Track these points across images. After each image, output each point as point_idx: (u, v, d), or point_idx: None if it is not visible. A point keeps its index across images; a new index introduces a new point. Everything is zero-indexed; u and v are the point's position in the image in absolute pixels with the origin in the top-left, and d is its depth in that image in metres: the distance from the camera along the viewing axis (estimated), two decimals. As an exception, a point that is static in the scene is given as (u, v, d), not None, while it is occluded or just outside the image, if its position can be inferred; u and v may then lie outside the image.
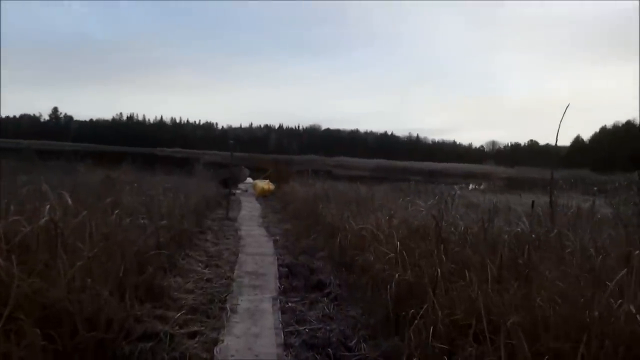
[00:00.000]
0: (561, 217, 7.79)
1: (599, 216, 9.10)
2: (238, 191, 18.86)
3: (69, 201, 6.04)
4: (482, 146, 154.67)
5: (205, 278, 6.00)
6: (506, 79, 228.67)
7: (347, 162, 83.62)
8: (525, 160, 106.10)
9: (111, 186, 9.11)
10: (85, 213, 4.96)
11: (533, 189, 20.69)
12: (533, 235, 5.85)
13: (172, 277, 5.74)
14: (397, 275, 4.46)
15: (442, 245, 5.48)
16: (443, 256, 4.78)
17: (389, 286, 4.42)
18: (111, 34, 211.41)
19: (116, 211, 6.25)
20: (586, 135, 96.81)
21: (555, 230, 5.82)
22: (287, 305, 5.23)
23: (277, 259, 7.23)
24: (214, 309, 4.94)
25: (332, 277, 6.12)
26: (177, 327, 4.30)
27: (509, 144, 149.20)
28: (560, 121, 8.37)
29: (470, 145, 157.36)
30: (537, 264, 4.90)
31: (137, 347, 3.71)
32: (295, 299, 5.49)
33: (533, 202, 7.31)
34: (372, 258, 5.41)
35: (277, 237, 9.13)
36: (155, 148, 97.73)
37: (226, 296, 5.38)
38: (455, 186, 29.49)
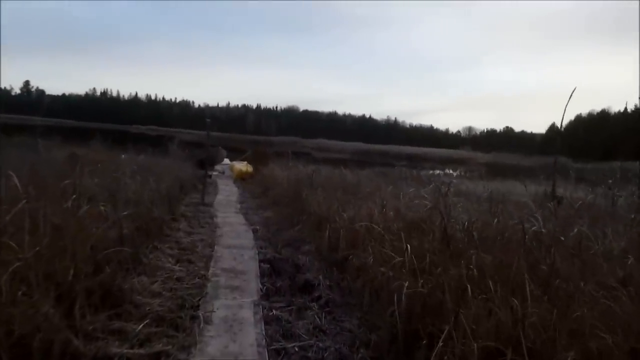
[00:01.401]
0: (567, 211, 7.19)
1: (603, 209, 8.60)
2: (215, 173, 17.94)
3: (17, 184, 5.16)
4: (458, 131, 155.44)
5: (175, 277, 5.18)
6: (484, 67, 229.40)
7: (326, 144, 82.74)
8: (501, 146, 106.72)
9: (74, 166, 8.15)
10: (24, 201, 4.02)
11: (518, 176, 20.29)
12: (544, 231, 5.20)
13: (136, 276, 4.91)
14: (406, 283, 3.69)
15: (450, 246, 4.79)
16: (462, 262, 4.07)
17: (396, 297, 3.67)
18: (87, 8, 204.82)
19: (73, 196, 5.39)
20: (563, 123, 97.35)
21: (576, 229, 5.16)
22: (271, 313, 4.45)
23: (258, 253, 6.44)
24: (185, 318, 4.14)
25: (321, 277, 5.36)
26: (137, 346, 3.50)
27: (485, 130, 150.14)
28: (566, 105, 7.65)
29: (447, 131, 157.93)
30: (563, 270, 4.24)
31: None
32: (280, 305, 4.72)
33: (553, 193, 6.67)
34: (372, 260, 4.64)
35: (257, 227, 8.32)
36: (129, 125, 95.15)
37: (199, 300, 4.58)
38: (438, 172, 29.03)
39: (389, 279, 4.17)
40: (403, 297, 3.53)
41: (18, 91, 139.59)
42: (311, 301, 4.85)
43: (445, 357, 2.85)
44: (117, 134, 36.73)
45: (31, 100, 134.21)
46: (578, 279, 3.94)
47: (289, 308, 4.64)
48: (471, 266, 4.31)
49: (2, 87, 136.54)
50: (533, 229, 5.16)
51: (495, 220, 5.68)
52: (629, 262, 4.47)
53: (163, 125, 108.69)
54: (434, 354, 2.92)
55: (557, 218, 6.22)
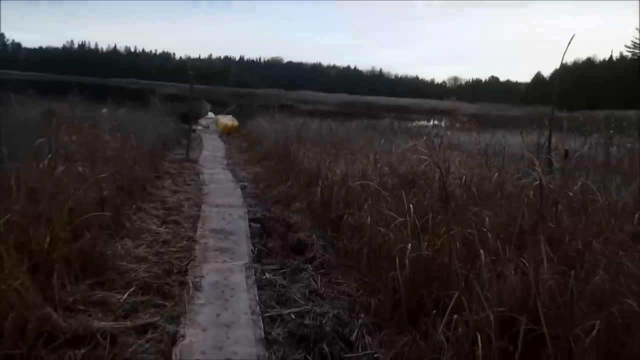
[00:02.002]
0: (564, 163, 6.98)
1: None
2: (199, 127, 17.45)
3: (-15, 144, 4.81)
4: (444, 82, 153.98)
5: (161, 240, 4.91)
6: (469, 15, 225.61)
7: (311, 96, 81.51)
8: (487, 96, 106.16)
9: (50, 122, 7.68)
10: None
11: (507, 127, 20.10)
12: (551, 186, 4.97)
13: (120, 240, 4.63)
14: (409, 246, 3.46)
15: (449, 203, 4.56)
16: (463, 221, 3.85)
17: (397, 260, 3.44)
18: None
19: (49, 156, 5.03)
20: (546, 72, 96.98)
21: (580, 183, 4.96)
22: (263, 277, 4.23)
23: (248, 212, 6.18)
24: (172, 284, 3.91)
25: (314, 237, 5.13)
26: (121, 318, 3.26)
27: (471, 80, 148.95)
28: (565, 52, 7.29)
29: (432, 81, 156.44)
30: (571, 228, 4.04)
31: (63, 357, 2.66)
32: (273, 267, 4.50)
33: (549, 144, 6.43)
34: (369, 219, 4.40)
35: (246, 183, 8.05)
36: (108, 79, 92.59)
37: (187, 265, 4.34)
38: (426, 123, 28.76)
39: (388, 240, 3.94)
40: (407, 261, 3.30)
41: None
42: (305, 262, 4.64)
43: (457, 328, 2.63)
44: (96, 88, 35.60)
45: (7, 54, 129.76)
46: (586, 236, 3.76)
47: (283, 270, 4.42)
48: (474, 225, 4.11)
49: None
50: (536, 183, 4.94)
51: (496, 174, 5.45)
52: (637, 216, 4.30)
53: (143, 78, 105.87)
54: (442, 323, 2.71)
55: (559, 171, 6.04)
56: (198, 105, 19.27)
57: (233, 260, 4.54)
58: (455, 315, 2.63)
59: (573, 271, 2.79)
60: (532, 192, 4.67)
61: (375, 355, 2.99)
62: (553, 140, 9.23)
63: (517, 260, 3.33)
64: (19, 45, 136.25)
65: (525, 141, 9.02)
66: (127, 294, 3.59)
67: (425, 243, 3.47)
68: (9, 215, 3.31)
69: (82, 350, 2.72)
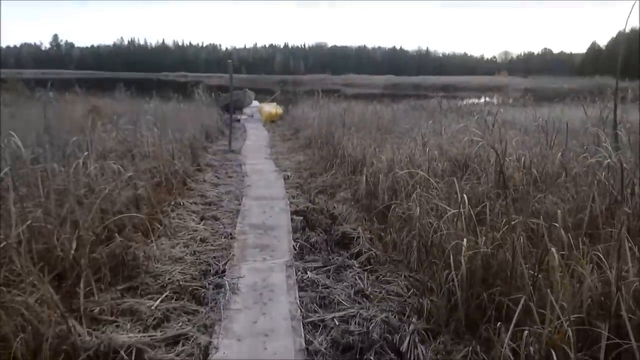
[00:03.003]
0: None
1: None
2: (243, 117, 17.32)
3: (18, 143, 4.70)
4: (494, 57, 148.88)
5: (199, 237, 4.68)
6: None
7: (356, 79, 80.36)
8: (539, 69, 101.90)
9: (93, 119, 7.60)
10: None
11: (564, 100, 18.92)
12: (625, 165, 4.39)
13: (156, 239, 4.42)
14: (464, 242, 3.04)
15: (510, 190, 4.09)
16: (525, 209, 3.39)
17: (452, 258, 3.04)
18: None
19: (85, 153, 4.89)
20: (602, 42, 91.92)
21: (659, 161, 4.36)
22: (305, 276, 3.92)
23: (290, 204, 5.88)
24: (208, 287, 3.66)
25: (360, 230, 4.77)
26: (151, 329, 3.02)
27: (522, 54, 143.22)
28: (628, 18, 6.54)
29: (482, 57, 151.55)
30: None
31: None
32: (316, 264, 4.18)
33: (615, 118, 5.80)
34: (418, 210, 4.00)
35: (288, 173, 7.74)
36: (159, 73, 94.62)
37: (225, 264, 4.09)
38: (477, 100, 27.66)
39: (440, 234, 3.54)
40: (462, 260, 2.89)
41: (48, 46, 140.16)
42: (350, 258, 4.30)
43: (526, 340, 2.22)
44: (145, 83, 36.30)
45: (61, 54, 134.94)
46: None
47: (326, 268, 4.09)
48: (538, 214, 3.65)
49: (32, 42, 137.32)
50: (606, 161, 4.39)
51: (559, 154, 4.91)
52: None
53: (191, 71, 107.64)
54: (508, 334, 2.30)
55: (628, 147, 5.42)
56: (241, 95, 19.14)
57: (273, 259, 4.26)
58: (526, 332, 2.21)
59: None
60: (602, 172, 4.15)
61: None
62: (617, 112, 8.44)
63: (591, 254, 2.88)
64: (72, 45, 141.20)
65: (587, 115, 8.27)
66: (159, 300, 3.36)
67: (484, 238, 3.04)
68: (30, 221, 3.12)
69: (105, 370, 2.49)
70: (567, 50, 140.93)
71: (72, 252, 3.25)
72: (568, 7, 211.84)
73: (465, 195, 3.49)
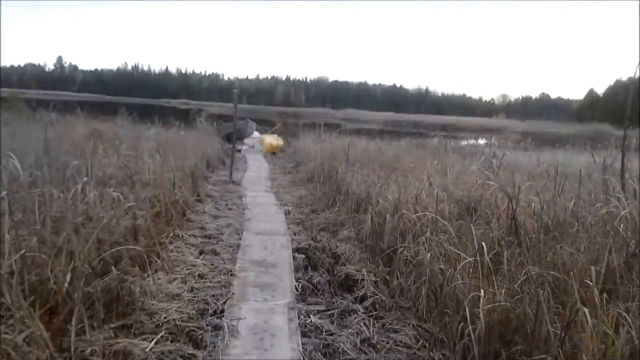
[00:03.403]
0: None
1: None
2: (244, 147, 17.25)
3: (17, 165, 4.57)
4: (492, 99, 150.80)
5: (197, 273, 4.50)
6: (516, 30, 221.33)
7: (357, 115, 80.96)
8: (537, 113, 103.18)
9: (94, 143, 7.46)
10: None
11: (564, 145, 18.97)
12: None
13: (152, 273, 4.23)
14: (482, 294, 2.88)
15: (525, 238, 3.96)
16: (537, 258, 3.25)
17: (467, 309, 2.87)
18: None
19: (85, 179, 4.74)
20: (600, 89, 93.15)
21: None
22: (308, 320, 3.73)
23: (291, 240, 5.72)
24: (206, 328, 3.46)
25: (364, 272, 4.60)
26: (145, 374, 2.83)
27: (520, 97, 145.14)
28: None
29: (480, 99, 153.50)
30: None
31: None
32: (319, 307, 4.00)
33: (623, 166, 5.71)
34: (429, 255, 3.84)
35: (289, 207, 7.59)
36: (160, 99, 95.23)
37: (224, 303, 3.90)
38: (477, 141, 27.74)
39: (452, 281, 3.38)
40: (481, 313, 2.73)
41: (52, 67, 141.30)
42: (355, 302, 4.11)
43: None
44: (146, 108, 36.32)
45: (64, 76, 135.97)
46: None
47: (330, 312, 3.91)
48: (556, 265, 3.50)
49: (37, 63, 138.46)
50: (623, 212, 4.27)
51: (572, 202, 4.79)
52: None
53: (193, 99, 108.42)
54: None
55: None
56: (243, 125, 19.11)
57: (274, 299, 4.07)
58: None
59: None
60: (618, 223, 4.02)
61: None
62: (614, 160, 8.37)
63: (612, 311, 2.73)
64: (75, 67, 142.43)
65: (595, 162, 8.19)
66: (154, 341, 3.16)
67: (503, 290, 2.88)
68: (24, 250, 2.95)
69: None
70: (565, 96, 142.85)
71: (66, 285, 3.07)
72: (566, 53, 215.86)
73: (481, 243, 3.34)
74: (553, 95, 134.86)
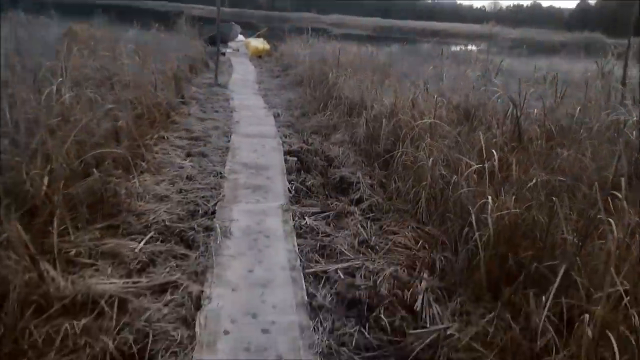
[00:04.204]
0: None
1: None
2: (229, 50, 16.51)
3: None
4: (483, 6, 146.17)
5: (185, 175, 4.30)
6: None
7: (344, 20, 77.91)
8: (528, 21, 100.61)
9: (68, 44, 6.93)
10: None
11: (559, 53, 18.51)
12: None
13: (138, 174, 4.02)
14: (489, 200, 2.72)
15: (532, 145, 3.78)
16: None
17: (473, 215, 2.73)
18: None
19: (59, 80, 4.37)
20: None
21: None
22: (303, 222, 3.61)
23: (282, 143, 5.51)
24: (198, 230, 3.32)
25: (359, 174, 4.44)
26: (135, 274, 2.70)
27: (511, 5, 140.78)
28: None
29: (471, 6, 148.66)
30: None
31: (58, 330, 2.11)
32: (314, 209, 3.87)
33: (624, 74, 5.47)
34: (430, 160, 3.66)
35: (279, 110, 7.31)
36: (138, 0, 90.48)
37: (215, 205, 3.74)
38: (471, 48, 26.99)
39: (455, 186, 3.22)
40: (489, 220, 2.58)
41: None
42: (351, 204, 3.99)
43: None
44: (124, 10, 34.37)
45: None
46: None
47: (325, 214, 3.79)
48: (563, 171, 3.36)
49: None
50: (630, 120, 4.09)
51: (578, 108, 4.57)
52: None
53: (173, 1, 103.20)
54: (547, 305, 2.02)
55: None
56: (227, 27, 18.20)
57: (267, 201, 3.93)
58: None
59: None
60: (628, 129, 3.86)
61: (449, 332, 2.36)
62: (617, 67, 8.08)
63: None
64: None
65: (593, 68, 7.91)
66: (143, 241, 3.03)
67: (513, 197, 2.72)
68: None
69: (83, 321, 2.17)
70: (556, 5, 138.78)
71: (44, 187, 2.85)
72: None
73: (488, 148, 3.15)
74: (545, 4, 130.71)
